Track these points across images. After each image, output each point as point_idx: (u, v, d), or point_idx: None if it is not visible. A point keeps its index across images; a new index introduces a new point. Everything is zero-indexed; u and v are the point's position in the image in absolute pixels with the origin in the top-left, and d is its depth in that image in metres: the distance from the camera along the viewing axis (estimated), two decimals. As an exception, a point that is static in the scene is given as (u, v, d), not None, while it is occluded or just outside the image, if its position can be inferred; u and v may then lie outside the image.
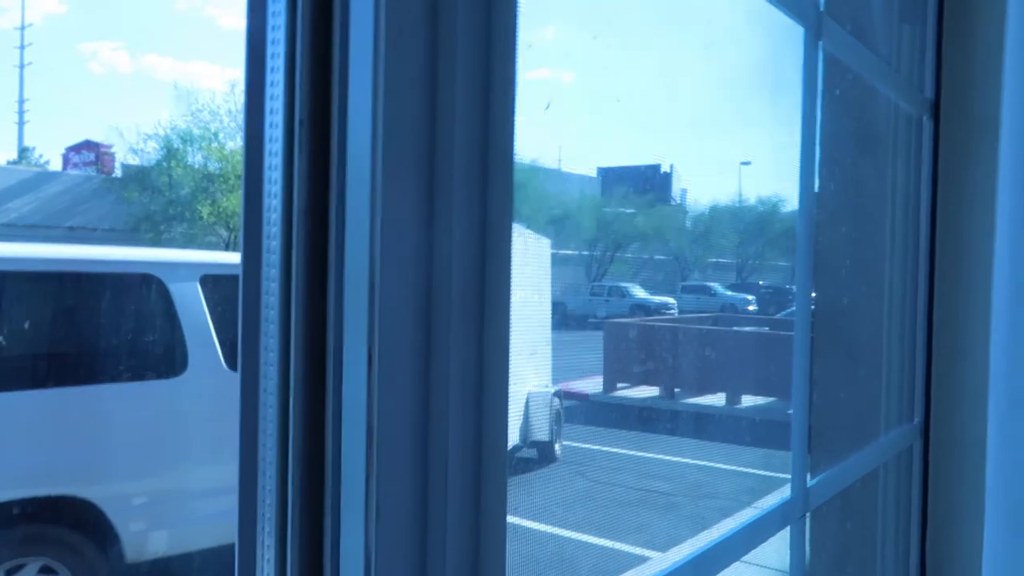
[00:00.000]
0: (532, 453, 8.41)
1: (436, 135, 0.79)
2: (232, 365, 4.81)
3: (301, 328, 0.78)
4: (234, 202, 23.43)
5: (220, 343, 4.86)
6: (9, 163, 24.84)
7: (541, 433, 8.56)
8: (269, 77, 0.82)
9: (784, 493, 1.60)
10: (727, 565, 1.30)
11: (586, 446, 9.24)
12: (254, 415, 0.79)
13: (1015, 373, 0.88)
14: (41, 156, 26.60)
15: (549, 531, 6.21)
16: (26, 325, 4.53)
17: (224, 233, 23.48)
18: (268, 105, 0.82)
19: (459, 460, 0.80)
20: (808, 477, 1.69)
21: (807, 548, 1.69)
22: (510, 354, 0.83)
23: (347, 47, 0.78)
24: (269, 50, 0.81)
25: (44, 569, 4.20)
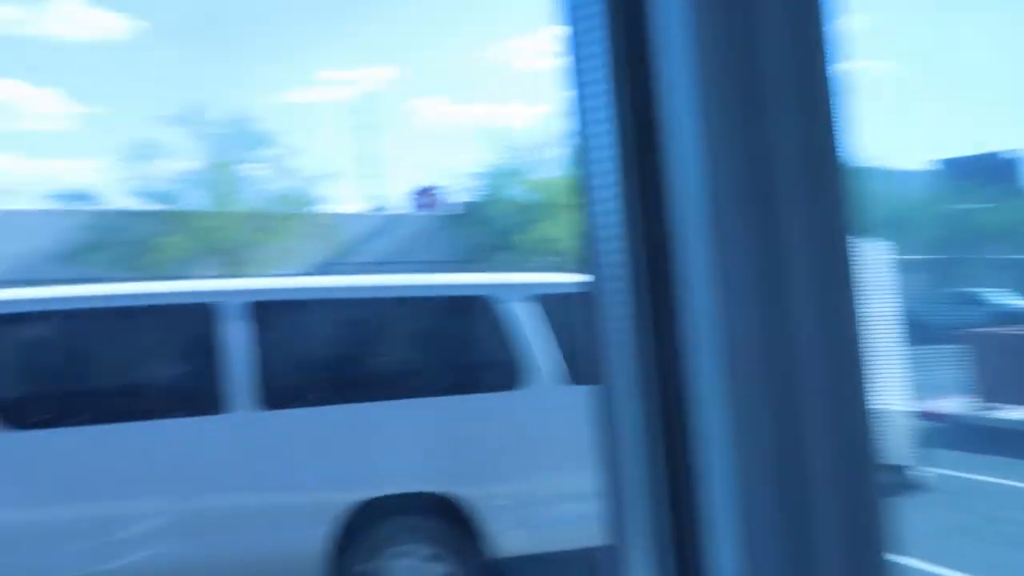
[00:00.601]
0: (892, 479, 7.68)
1: (766, 140, 0.71)
2: (569, 379, 4.98)
3: (648, 339, 0.74)
4: (555, 229, 24.65)
5: (555, 358, 5.00)
6: (369, 211, 28.27)
7: (899, 457, 7.81)
8: (590, 86, 0.78)
9: None
10: None
11: (957, 474, 8.19)
12: (611, 426, 0.77)
13: None
14: (388, 202, 30.02)
15: (916, 566, 5.55)
16: (394, 344, 5.02)
17: (549, 257, 24.72)
18: (590, 115, 0.77)
19: (825, 472, 0.69)
20: None
21: None
22: (865, 359, 0.72)
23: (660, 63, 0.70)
24: (585, 63, 0.78)
25: (431, 557, 4.74)
